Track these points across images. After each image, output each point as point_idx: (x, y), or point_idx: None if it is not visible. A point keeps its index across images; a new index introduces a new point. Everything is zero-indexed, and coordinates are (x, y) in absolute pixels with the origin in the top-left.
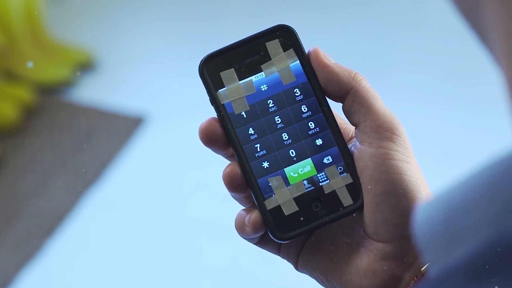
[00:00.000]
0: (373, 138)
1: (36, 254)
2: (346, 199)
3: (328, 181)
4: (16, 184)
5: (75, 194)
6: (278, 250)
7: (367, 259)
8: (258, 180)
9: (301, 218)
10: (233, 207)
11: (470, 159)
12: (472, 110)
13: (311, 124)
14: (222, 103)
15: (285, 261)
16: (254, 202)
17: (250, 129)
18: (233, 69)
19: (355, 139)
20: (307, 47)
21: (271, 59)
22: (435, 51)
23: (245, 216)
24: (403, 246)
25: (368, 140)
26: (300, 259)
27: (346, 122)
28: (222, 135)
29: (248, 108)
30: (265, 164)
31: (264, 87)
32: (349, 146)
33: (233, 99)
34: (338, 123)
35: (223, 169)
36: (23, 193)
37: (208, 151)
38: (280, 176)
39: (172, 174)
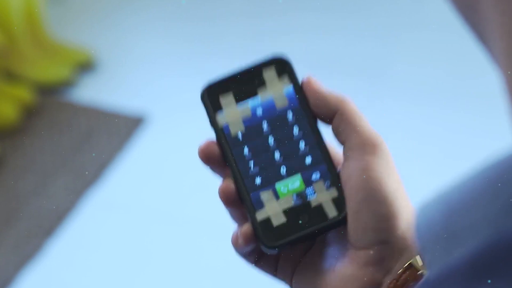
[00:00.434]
0: (358, 153)
1: (36, 254)
2: (331, 212)
3: (315, 195)
4: (16, 184)
5: (75, 194)
6: (275, 270)
7: (351, 268)
8: (250, 194)
9: (289, 229)
10: None
11: (470, 159)
12: (472, 110)
13: (301, 143)
14: (220, 125)
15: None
16: (247, 216)
17: (245, 148)
18: (231, 93)
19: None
20: (306, 47)
21: (266, 85)
22: (435, 51)
23: (238, 230)
24: (382, 251)
25: (353, 155)
26: (294, 278)
27: (337, 152)
28: (219, 155)
29: (244, 130)
30: (258, 180)
31: (259, 110)
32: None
33: (230, 121)
34: (329, 149)
35: (219, 186)
36: (23, 193)
37: None
38: (271, 190)
39: (172, 174)
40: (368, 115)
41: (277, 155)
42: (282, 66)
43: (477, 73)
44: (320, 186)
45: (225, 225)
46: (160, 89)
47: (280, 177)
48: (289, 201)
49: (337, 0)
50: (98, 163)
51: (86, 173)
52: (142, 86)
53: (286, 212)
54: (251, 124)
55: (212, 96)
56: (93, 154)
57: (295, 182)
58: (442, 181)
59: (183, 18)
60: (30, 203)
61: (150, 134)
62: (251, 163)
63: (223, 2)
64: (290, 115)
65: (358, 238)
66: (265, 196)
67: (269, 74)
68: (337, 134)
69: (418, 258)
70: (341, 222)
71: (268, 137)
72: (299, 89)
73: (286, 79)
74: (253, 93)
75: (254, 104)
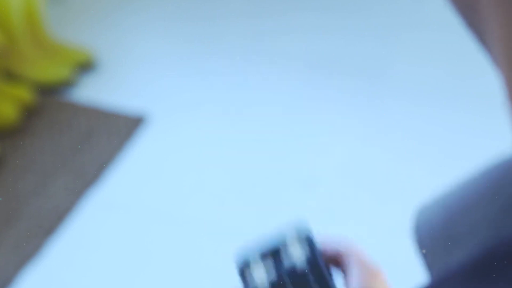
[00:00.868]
0: (361, 280)
1: (36, 254)
2: None
3: None
4: (16, 184)
5: (75, 194)
6: None
7: None
8: None
9: None
10: (232, 207)
11: (470, 159)
12: (472, 110)
13: None
14: (249, 286)
15: None
16: None
17: None
18: (259, 258)
19: None
20: (307, 47)
21: (290, 251)
22: (435, 51)
23: None
24: None
25: (355, 281)
26: None
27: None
28: None
29: None
30: None
31: (284, 272)
32: None
33: (259, 283)
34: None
35: None
36: (23, 193)
37: (207, 151)
38: None
39: (172, 174)
40: (368, 115)
41: None
42: (304, 235)
43: (477, 73)
44: None
45: (225, 225)
46: (160, 89)
47: None
48: None
49: (337, 0)
50: (98, 163)
51: (86, 173)
52: (142, 86)
53: None
54: (277, 284)
55: (243, 262)
56: (93, 154)
57: None
58: (442, 181)
59: (183, 18)
60: (30, 203)
61: (150, 134)
62: None
63: (223, 2)
64: (310, 276)
65: None
66: None
67: (292, 241)
68: (345, 274)
69: None
70: None
71: None
72: (318, 253)
73: (306, 246)
74: (278, 258)
75: (279, 267)
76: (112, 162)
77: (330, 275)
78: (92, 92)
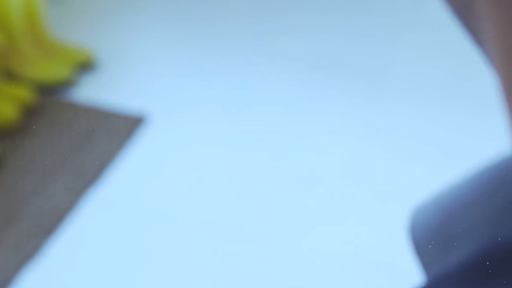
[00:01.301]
0: None
1: (36, 254)
2: None
3: None
4: (16, 184)
5: (75, 194)
6: None
7: None
8: None
9: None
10: (232, 207)
11: (470, 159)
12: (472, 110)
13: None
14: None
15: (285, 261)
16: None
17: None
18: None
19: None
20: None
21: None
22: (435, 51)
23: None
24: None
25: None
26: None
27: None
28: None
29: None
30: None
31: None
32: None
33: None
34: None
35: None
36: (23, 193)
37: (207, 151)
38: None
39: (172, 174)
40: (368, 115)
41: None
42: None
43: (477, 74)
44: None
45: (225, 225)
46: (160, 89)
47: None
48: None
49: (337, 0)
50: (98, 163)
51: (86, 173)
52: (142, 86)
53: None
54: None
55: None
56: (93, 154)
57: None
58: (442, 181)
59: (183, 18)
60: (30, 203)
61: (150, 134)
62: None
63: (223, 2)
64: None
65: None
66: None
67: None
68: None
69: None
70: None
71: None
72: None
73: None
74: None
75: None
76: (112, 162)
77: None
78: (92, 92)
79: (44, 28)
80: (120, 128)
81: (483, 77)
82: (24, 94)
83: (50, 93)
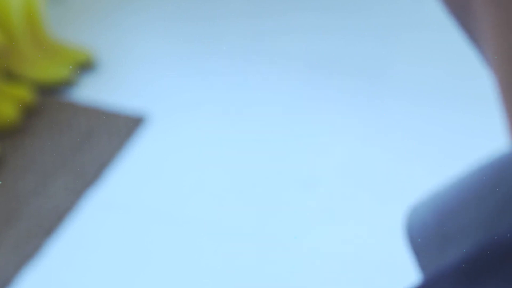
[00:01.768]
0: None
1: (36, 254)
2: None
3: None
4: (16, 184)
5: (75, 194)
6: None
7: None
8: None
9: None
10: (232, 207)
11: (470, 159)
12: (472, 110)
13: None
14: None
15: (285, 261)
16: None
17: None
18: None
19: None
20: (306, 47)
21: None
22: (435, 51)
23: None
24: None
25: None
26: None
27: None
28: None
29: None
30: None
31: None
32: None
33: None
34: None
35: None
36: (23, 193)
37: (207, 151)
38: None
39: (172, 174)
40: (368, 115)
41: None
42: None
43: (477, 73)
44: None
45: (225, 225)
46: (160, 89)
47: None
48: None
49: (337, 0)
50: (98, 163)
51: (86, 173)
52: (142, 86)
53: None
54: None
55: None
56: (93, 154)
57: None
58: (442, 181)
59: (183, 18)
60: (30, 203)
61: (150, 134)
62: None
63: (223, 2)
64: None
65: None
66: None
67: None
68: None
69: None
70: None
71: None
72: None
73: None
74: None
75: None
76: (112, 162)
77: None
78: (92, 92)
79: (44, 28)
80: (120, 128)
81: (483, 77)
82: (24, 94)
83: (50, 93)
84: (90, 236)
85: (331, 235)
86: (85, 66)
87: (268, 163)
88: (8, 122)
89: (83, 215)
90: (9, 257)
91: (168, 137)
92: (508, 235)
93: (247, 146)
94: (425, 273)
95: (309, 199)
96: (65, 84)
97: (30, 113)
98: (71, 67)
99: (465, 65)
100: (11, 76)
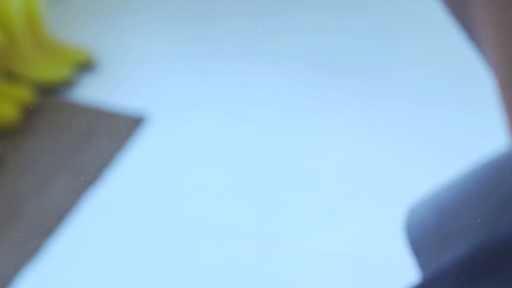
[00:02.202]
0: None
1: (36, 254)
2: None
3: None
4: (16, 184)
5: (75, 194)
6: None
7: None
8: None
9: None
10: (232, 207)
11: (470, 159)
12: (471, 110)
13: None
14: None
15: (285, 261)
16: None
17: None
18: None
19: None
20: (306, 47)
21: None
22: (435, 51)
23: None
24: None
25: None
26: None
27: None
28: None
29: None
30: None
31: None
32: None
33: None
34: None
35: None
36: (23, 193)
37: (207, 151)
38: None
39: (172, 174)
40: (368, 115)
41: None
42: None
43: (477, 73)
44: None
45: (225, 225)
46: (160, 89)
47: None
48: None
49: (337, 0)
50: (98, 163)
51: (86, 173)
52: (142, 86)
53: None
54: None
55: None
56: (93, 154)
57: None
58: (442, 181)
59: (183, 18)
60: (30, 203)
61: (150, 134)
62: None
63: (223, 2)
64: None
65: None
66: None
67: None
68: None
69: None
70: None
71: None
72: None
73: None
74: None
75: None
76: (112, 162)
77: None
78: (92, 92)
79: (44, 28)
80: (120, 128)
81: (483, 77)
82: (24, 94)
83: (50, 93)
84: (90, 236)
85: (331, 235)
86: (85, 66)
87: (268, 163)
88: (8, 122)
89: (83, 215)
90: (9, 257)
91: (168, 137)
92: (508, 235)
93: (247, 146)
94: (424, 273)
95: (309, 199)
96: (65, 84)
97: (30, 113)
98: (71, 67)
99: (465, 65)
100: (11, 76)
